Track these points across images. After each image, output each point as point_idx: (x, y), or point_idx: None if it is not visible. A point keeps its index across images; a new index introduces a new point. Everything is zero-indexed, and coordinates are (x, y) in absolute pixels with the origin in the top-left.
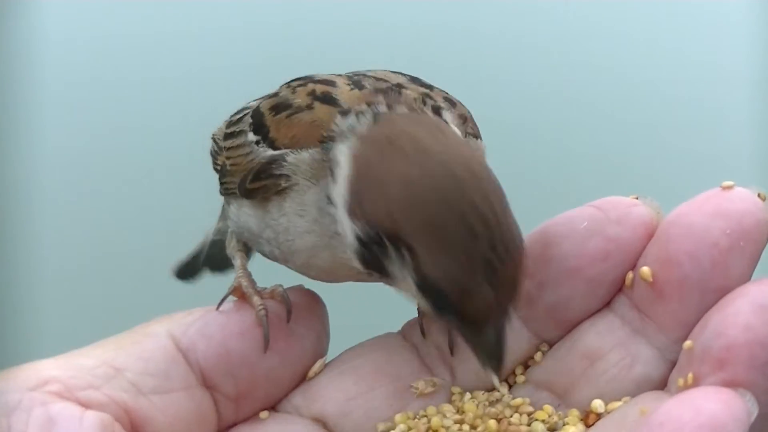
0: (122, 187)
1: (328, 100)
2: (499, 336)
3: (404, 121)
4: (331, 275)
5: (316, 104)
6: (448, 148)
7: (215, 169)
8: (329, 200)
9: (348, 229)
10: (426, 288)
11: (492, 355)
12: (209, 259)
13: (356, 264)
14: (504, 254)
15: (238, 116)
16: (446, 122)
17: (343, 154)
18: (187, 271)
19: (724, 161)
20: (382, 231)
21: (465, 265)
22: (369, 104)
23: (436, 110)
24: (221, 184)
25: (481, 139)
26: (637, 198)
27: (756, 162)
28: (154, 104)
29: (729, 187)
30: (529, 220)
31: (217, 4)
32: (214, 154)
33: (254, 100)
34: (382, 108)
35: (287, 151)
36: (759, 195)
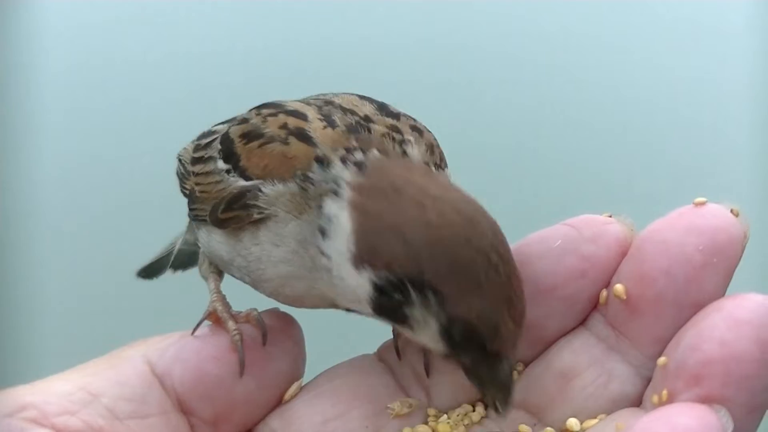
0: (122, 185)
1: (304, 137)
2: (511, 371)
3: (396, 168)
4: (299, 303)
5: (292, 139)
6: (447, 192)
7: (183, 193)
8: (320, 250)
9: (358, 280)
10: (453, 329)
11: (503, 387)
12: (175, 264)
13: (362, 307)
14: (518, 290)
15: (206, 140)
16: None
17: (339, 207)
18: (151, 272)
19: (703, 175)
20: (406, 276)
21: (495, 303)
22: (347, 150)
23: (402, 147)
24: (190, 209)
25: (447, 166)
26: (610, 216)
27: (731, 176)
28: (154, 103)
29: (701, 203)
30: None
31: (217, 4)
32: (182, 177)
33: (220, 124)
34: (359, 155)
35: (261, 181)
36: (732, 210)
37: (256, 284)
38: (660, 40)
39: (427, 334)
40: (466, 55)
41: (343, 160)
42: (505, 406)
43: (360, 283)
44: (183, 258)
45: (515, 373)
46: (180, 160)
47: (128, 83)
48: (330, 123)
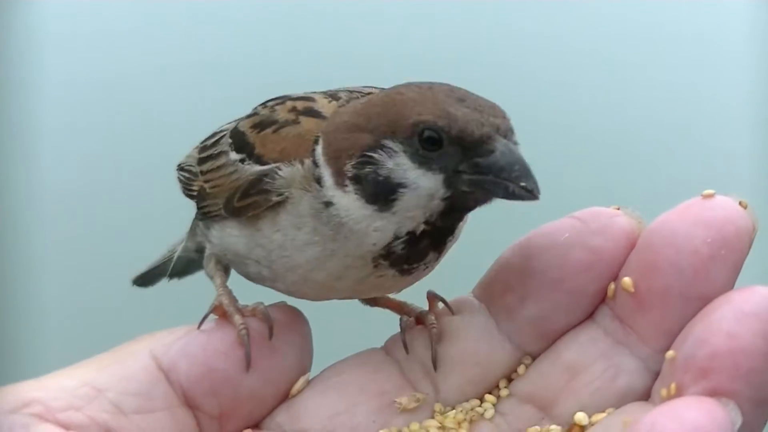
0: (122, 185)
1: (313, 113)
2: (510, 145)
3: None
4: (328, 290)
5: (302, 118)
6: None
7: (189, 196)
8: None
9: (333, 180)
10: (419, 141)
11: (511, 163)
12: (173, 272)
13: (376, 237)
14: (472, 95)
15: (212, 140)
16: None
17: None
18: (147, 280)
19: (710, 169)
20: (362, 149)
21: (437, 102)
22: None
23: None
24: (200, 208)
25: None
26: (618, 208)
27: (737, 172)
28: (153, 103)
29: (709, 196)
30: (511, 232)
31: (217, 12)
32: (187, 182)
33: (226, 124)
34: None
35: (278, 164)
36: (740, 203)
37: (277, 277)
38: (664, 44)
39: (414, 176)
40: (467, 59)
41: None
42: (527, 179)
43: (349, 191)
44: (181, 265)
45: (521, 365)
46: (182, 168)
47: (128, 93)
48: (335, 98)
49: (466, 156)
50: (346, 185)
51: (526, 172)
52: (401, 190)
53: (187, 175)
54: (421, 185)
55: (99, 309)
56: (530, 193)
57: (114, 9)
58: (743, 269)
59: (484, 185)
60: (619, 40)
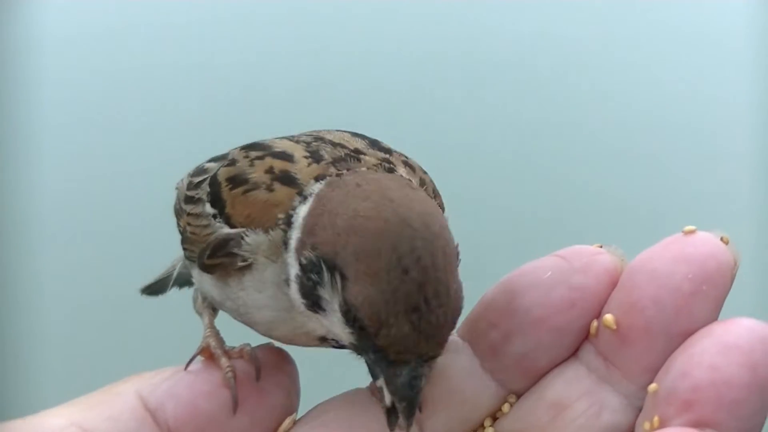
0: (122, 186)
1: (288, 180)
2: (414, 381)
3: (377, 175)
4: (290, 342)
5: (276, 185)
6: (412, 201)
7: (178, 229)
8: (285, 277)
9: (293, 265)
10: (348, 315)
11: (403, 398)
12: (177, 282)
13: (311, 326)
14: (434, 302)
15: (198, 179)
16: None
17: (304, 206)
18: (155, 290)
19: (710, 170)
20: (322, 255)
21: (388, 299)
22: (326, 174)
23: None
24: (183, 248)
25: (443, 208)
26: (601, 246)
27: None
28: (154, 103)
29: (691, 232)
30: (494, 272)
31: (218, 15)
32: (177, 213)
33: (212, 161)
34: (337, 173)
35: (244, 230)
36: (722, 238)
37: (248, 325)
38: (660, 51)
39: (334, 319)
40: (467, 61)
41: (318, 178)
42: (404, 417)
43: (292, 268)
44: (183, 279)
45: (505, 403)
46: (177, 193)
47: (129, 94)
48: (316, 158)
49: (377, 352)
50: (299, 253)
51: (406, 413)
52: (324, 315)
53: (178, 205)
54: (339, 333)
55: (101, 324)
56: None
57: (115, 9)
58: (728, 299)
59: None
60: (620, 41)
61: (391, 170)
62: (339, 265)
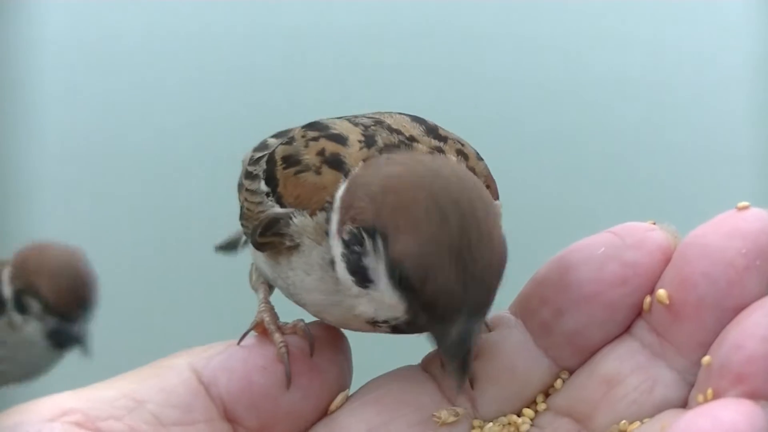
0: (123, 187)
1: (336, 164)
2: (464, 337)
3: (415, 153)
4: (344, 326)
5: (324, 169)
6: (445, 164)
7: (239, 203)
8: (330, 258)
9: (336, 246)
10: (394, 275)
11: (454, 355)
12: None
13: (361, 309)
14: (477, 248)
15: (259, 154)
16: None
17: (341, 189)
18: (228, 248)
19: (712, 172)
20: (361, 225)
21: (430, 248)
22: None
23: None
24: (240, 224)
25: (496, 196)
26: (654, 223)
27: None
28: (155, 105)
29: (744, 208)
30: (548, 249)
31: (219, 3)
32: (239, 187)
33: (274, 136)
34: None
35: (293, 210)
36: None
37: (299, 305)
38: (665, 48)
39: (382, 287)
40: (468, 63)
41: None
42: (456, 377)
43: (335, 249)
44: None
45: (558, 379)
46: (242, 165)
47: (130, 84)
48: (369, 143)
49: (428, 311)
50: (340, 231)
51: (459, 370)
52: (371, 286)
53: (239, 178)
54: (387, 301)
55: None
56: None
57: (117, 9)
58: None
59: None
60: (620, 45)
61: None
62: (379, 227)
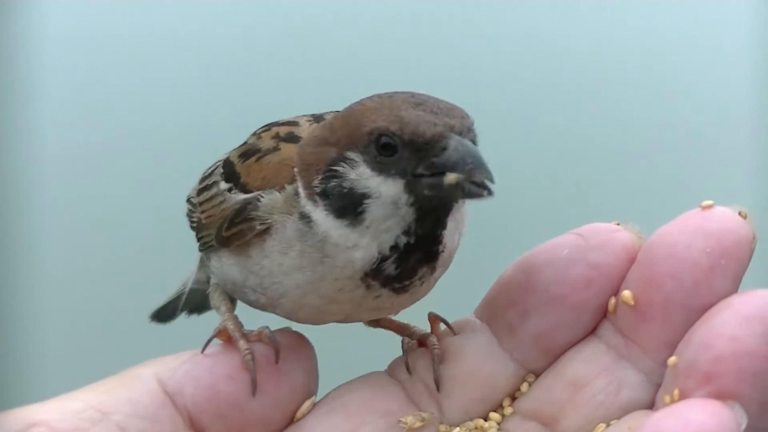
0: (122, 188)
1: (292, 138)
2: (465, 145)
3: None
4: (324, 314)
5: (282, 144)
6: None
7: (192, 228)
8: (308, 219)
9: (310, 203)
10: (381, 152)
11: (462, 158)
12: (187, 305)
13: (360, 255)
14: (429, 98)
15: (209, 170)
16: None
17: None
18: (164, 315)
19: (710, 171)
20: (329, 164)
21: (400, 111)
22: None
23: None
24: (198, 240)
25: None
26: (618, 223)
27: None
28: (155, 106)
29: (709, 207)
30: (512, 251)
31: (220, 4)
32: (190, 214)
33: (223, 156)
34: None
35: (260, 192)
36: (740, 213)
37: (273, 303)
38: (664, 46)
39: (377, 184)
40: (468, 63)
41: None
42: (483, 174)
43: (319, 206)
44: (196, 298)
45: (524, 382)
46: (188, 200)
47: (130, 84)
48: (317, 119)
49: (423, 158)
50: (316, 200)
51: (478, 164)
52: (366, 201)
53: (189, 207)
54: (383, 192)
55: (106, 336)
56: (484, 189)
57: (117, 9)
58: (746, 275)
59: (441, 190)
60: (620, 42)
61: None
62: (343, 145)
